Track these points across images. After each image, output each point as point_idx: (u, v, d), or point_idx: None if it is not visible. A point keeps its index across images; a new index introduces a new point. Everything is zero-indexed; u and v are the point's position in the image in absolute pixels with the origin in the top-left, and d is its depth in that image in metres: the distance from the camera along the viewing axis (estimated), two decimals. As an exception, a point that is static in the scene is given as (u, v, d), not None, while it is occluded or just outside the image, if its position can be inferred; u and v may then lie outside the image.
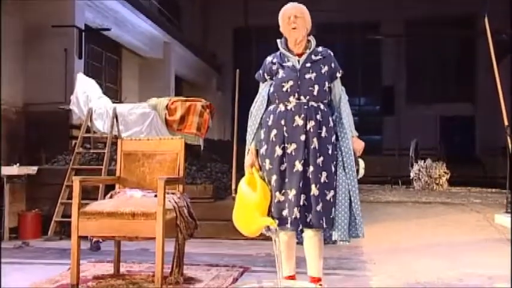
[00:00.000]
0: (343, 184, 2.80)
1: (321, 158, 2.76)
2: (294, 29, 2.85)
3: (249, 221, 2.79)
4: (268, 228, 2.84)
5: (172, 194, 3.34)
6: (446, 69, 18.49)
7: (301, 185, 2.71)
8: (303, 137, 2.76)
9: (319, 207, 2.72)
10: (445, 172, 12.18)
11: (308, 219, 2.73)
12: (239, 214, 2.85)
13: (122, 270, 3.63)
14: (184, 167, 3.52)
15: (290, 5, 2.94)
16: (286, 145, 2.78)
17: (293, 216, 2.69)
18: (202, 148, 6.46)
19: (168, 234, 3.09)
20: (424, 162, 12.47)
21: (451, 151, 15.66)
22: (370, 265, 4.00)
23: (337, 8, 16.47)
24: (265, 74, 2.95)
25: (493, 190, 11.37)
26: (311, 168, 2.74)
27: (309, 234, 2.81)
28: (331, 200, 2.76)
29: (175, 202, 3.27)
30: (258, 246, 4.60)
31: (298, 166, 2.73)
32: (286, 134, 2.79)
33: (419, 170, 12.37)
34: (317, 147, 2.76)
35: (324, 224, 2.72)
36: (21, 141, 8.02)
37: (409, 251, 4.61)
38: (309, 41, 2.92)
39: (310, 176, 2.74)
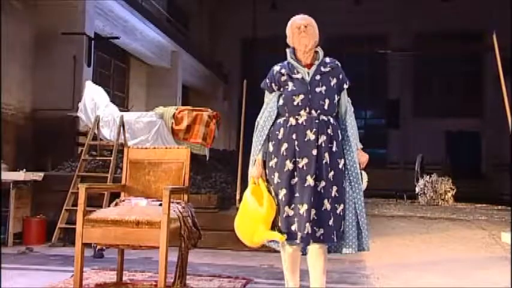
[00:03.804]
0: (349, 197, 2.81)
1: (332, 173, 2.76)
2: (303, 36, 2.85)
3: (252, 232, 2.78)
4: (272, 241, 2.84)
5: (177, 203, 3.34)
6: (453, 84, 18.48)
7: (312, 200, 2.70)
8: (314, 152, 2.75)
9: (331, 222, 2.71)
10: (450, 188, 12.11)
11: (318, 234, 2.72)
12: (242, 224, 2.85)
13: (125, 278, 3.62)
14: (189, 176, 3.52)
15: (299, 16, 2.95)
16: (297, 159, 2.76)
17: (305, 232, 2.67)
18: (207, 158, 6.47)
19: (171, 243, 3.08)
20: (430, 177, 12.41)
21: (457, 166, 15.59)
22: (373, 280, 3.97)
23: (344, 21, 16.55)
24: (273, 84, 2.92)
25: (499, 207, 11.27)
26: (322, 183, 2.73)
27: (314, 247, 2.80)
28: (341, 213, 2.77)
29: (180, 211, 3.27)
30: (261, 258, 4.58)
31: (310, 181, 2.72)
32: (297, 148, 2.77)
33: (424, 185, 12.31)
34: (328, 162, 2.76)
35: (335, 238, 2.73)
36: (28, 146, 8.07)
37: (412, 267, 4.57)
38: (316, 52, 2.92)
39: (322, 191, 2.73)
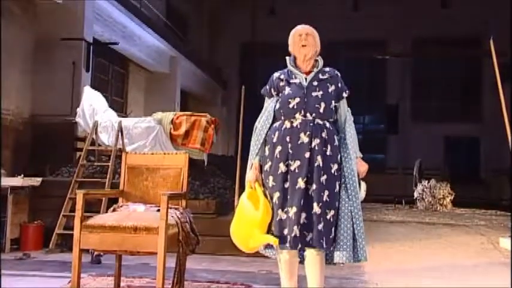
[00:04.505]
0: (346, 206, 2.79)
1: (325, 176, 2.75)
2: (304, 46, 2.90)
3: (248, 237, 2.78)
4: (267, 246, 2.83)
5: (175, 209, 3.33)
6: (452, 89, 18.51)
7: (302, 203, 2.70)
8: (307, 155, 2.75)
9: (320, 226, 2.70)
10: (449, 193, 12.10)
11: (308, 238, 2.71)
12: (238, 228, 2.84)
13: (123, 284, 3.61)
14: (187, 182, 3.52)
15: (301, 26, 3.00)
16: (290, 162, 2.77)
17: (292, 235, 2.68)
18: (206, 163, 6.47)
19: (169, 249, 3.07)
20: (428, 182, 12.39)
21: (456, 172, 15.59)
22: (371, 285, 3.96)
23: (343, 27, 16.60)
24: (272, 90, 2.97)
25: (498, 212, 11.26)
26: (314, 186, 2.73)
27: (310, 253, 2.79)
28: (331, 219, 2.74)
29: (178, 217, 3.26)
30: (260, 263, 4.57)
31: (301, 183, 2.72)
32: (290, 151, 2.78)
33: (423, 190, 12.30)
34: (321, 165, 2.75)
35: (324, 243, 2.70)
36: (27, 152, 8.05)
37: (411, 272, 4.56)
38: (316, 60, 2.96)
39: (313, 194, 2.73)
